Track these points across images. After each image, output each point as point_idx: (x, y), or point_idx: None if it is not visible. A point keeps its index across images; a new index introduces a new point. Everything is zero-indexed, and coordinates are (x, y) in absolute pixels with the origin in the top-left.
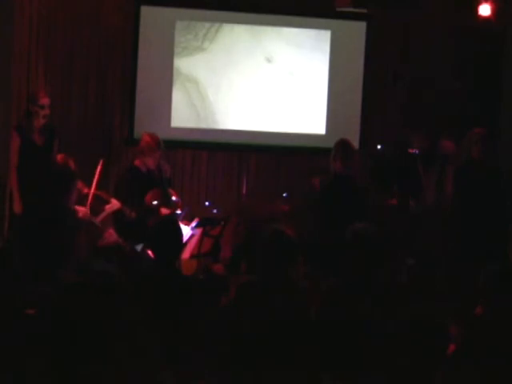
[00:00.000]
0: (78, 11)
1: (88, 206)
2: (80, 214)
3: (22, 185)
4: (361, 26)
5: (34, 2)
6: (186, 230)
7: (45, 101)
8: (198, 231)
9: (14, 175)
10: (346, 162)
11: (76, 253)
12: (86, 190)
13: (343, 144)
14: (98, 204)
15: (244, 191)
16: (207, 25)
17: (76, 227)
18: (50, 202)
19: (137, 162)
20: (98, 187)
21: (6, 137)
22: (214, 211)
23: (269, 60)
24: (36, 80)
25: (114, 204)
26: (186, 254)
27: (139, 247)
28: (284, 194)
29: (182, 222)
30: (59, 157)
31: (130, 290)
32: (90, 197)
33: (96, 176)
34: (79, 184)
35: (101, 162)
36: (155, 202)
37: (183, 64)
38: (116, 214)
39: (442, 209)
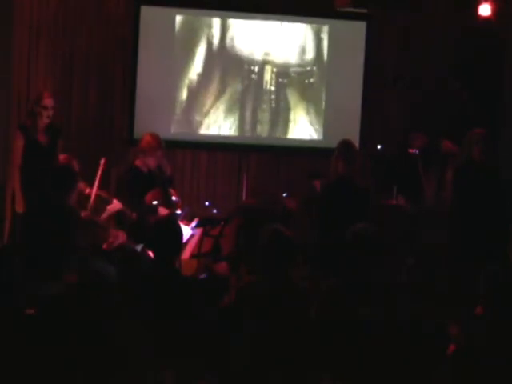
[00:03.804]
0: (78, 11)
1: (90, 206)
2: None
3: (25, 185)
4: (361, 26)
5: (34, 2)
6: (186, 230)
7: (48, 101)
8: (198, 231)
9: (16, 175)
10: (348, 162)
11: (77, 253)
12: (87, 191)
13: (346, 145)
14: (100, 204)
15: (244, 191)
16: (207, 24)
17: (77, 227)
18: (51, 202)
19: (138, 162)
20: (99, 186)
21: (6, 137)
22: (214, 211)
23: (268, 60)
24: (36, 80)
25: (116, 204)
26: (186, 254)
27: (139, 247)
28: (284, 194)
29: (182, 221)
30: (62, 157)
31: (130, 290)
32: (93, 197)
33: (98, 175)
34: (81, 184)
35: (103, 161)
36: (155, 202)
37: (183, 63)
38: (117, 214)
39: (441, 209)
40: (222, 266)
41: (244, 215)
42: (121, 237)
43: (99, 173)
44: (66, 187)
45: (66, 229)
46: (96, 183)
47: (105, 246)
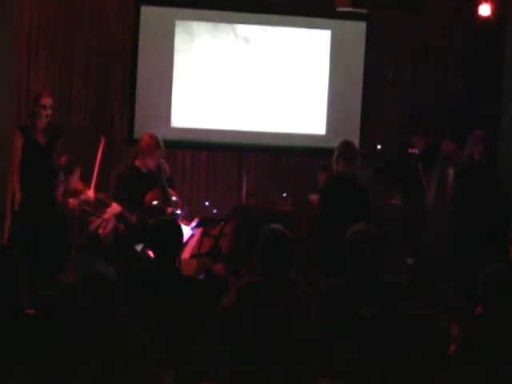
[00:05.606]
0: (78, 11)
1: (93, 190)
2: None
3: (24, 185)
4: (361, 26)
5: (34, 3)
6: (186, 230)
7: (46, 101)
8: (198, 231)
9: (16, 175)
10: (348, 162)
11: (76, 252)
12: (87, 192)
13: (346, 145)
14: (99, 206)
15: (244, 191)
16: (207, 24)
17: (68, 223)
18: (43, 200)
19: (137, 163)
20: (99, 170)
21: (5, 137)
22: (214, 211)
23: (269, 60)
24: (36, 80)
25: (115, 207)
26: (186, 254)
27: (139, 247)
28: (284, 194)
29: (182, 221)
30: (63, 159)
31: (130, 290)
32: (95, 176)
33: (99, 155)
34: (79, 185)
35: (103, 141)
36: (155, 202)
37: (183, 63)
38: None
39: (442, 209)
40: (218, 267)
41: (243, 215)
42: (111, 222)
43: (100, 151)
44: (51, 183)
45: (58, 225)
46: (98, 162)
47: (100, 231)
